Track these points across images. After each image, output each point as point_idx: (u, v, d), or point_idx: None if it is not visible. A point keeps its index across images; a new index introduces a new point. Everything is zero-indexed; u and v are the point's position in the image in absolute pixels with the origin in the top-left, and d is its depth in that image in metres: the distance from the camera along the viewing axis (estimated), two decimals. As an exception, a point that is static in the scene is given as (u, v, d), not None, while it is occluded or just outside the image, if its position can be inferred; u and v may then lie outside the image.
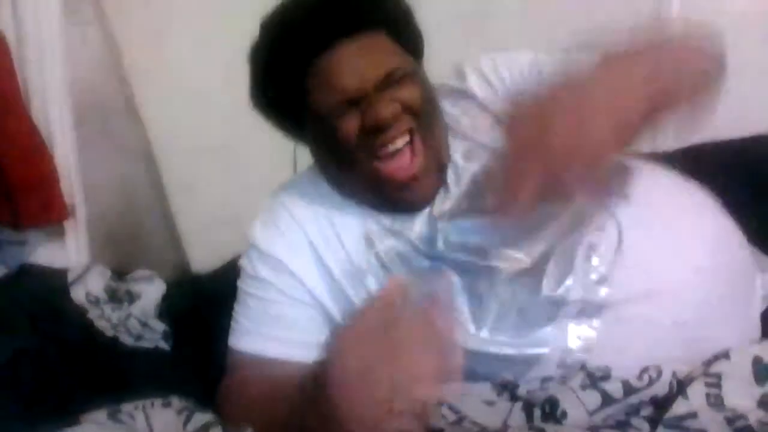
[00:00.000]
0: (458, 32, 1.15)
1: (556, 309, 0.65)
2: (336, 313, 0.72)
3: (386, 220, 0.72)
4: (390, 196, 0.70)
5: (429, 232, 0.70)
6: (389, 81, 0.67)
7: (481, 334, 0.66)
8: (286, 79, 0.69)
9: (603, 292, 0.65)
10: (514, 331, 0.66)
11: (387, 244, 0.71)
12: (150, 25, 1.37)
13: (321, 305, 0.72)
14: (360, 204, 0.74)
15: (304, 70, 0.68)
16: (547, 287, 0.65)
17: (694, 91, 0.64)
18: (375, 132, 0.66)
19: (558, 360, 0.64)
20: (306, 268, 0.72)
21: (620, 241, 0.67)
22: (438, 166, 0.71)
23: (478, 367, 0.65)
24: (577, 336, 0.64)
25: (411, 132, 0.67)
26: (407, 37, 0.72)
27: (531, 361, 0.64)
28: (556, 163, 0.52)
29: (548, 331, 0.65)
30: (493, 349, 0.65)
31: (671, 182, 0.76)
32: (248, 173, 1.35)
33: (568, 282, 0.65)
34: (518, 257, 0.67)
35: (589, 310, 0.64)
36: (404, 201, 0.70)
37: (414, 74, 0.70)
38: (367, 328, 0.47)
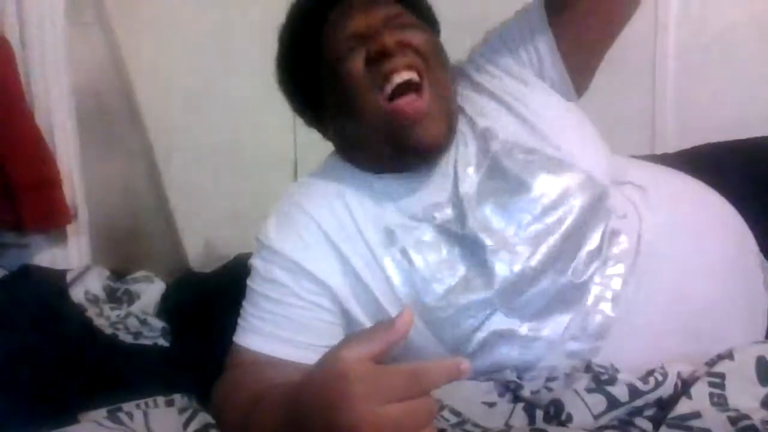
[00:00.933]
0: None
1: (576, 295, 0.66)
2: (359, 311, 0.70)
3: (413, 207, 0.70)
4: (399, 138, 0.68)
5: (457, 212, 0.69)
6: (397, 22, 0.69)
7: (497, 318, 0.66)
8: (306, 38, 0.72)
9: (619, 283, 0.65)
10: (531, 314, 0.66)
11: (414, 236, 0.69)
12: (152, 28, 1.37)
13: (340, 305, 0.70)
14: (377, 169, 0.72)
15: (320, 25, 0.70)
16: (574, 274, 0.66)
17: None
18: (380, 59, 0.66)
19: (567, 350, 0.64)
20: (325, 266, 0.70)
21: (641, 230, 0.67)
22: (446, 111, 0.70)
23: (488, 352, 0.65)
24: (590, 324, 0.65)
25: (417, 70, 0.67)
26: (420, 11, 0.74)
27: (541, 349, 0.65)
28: None
29: (564, 317, 0.65)
30: (507, 327, 0.66)
31: (684, 179, 0.77)
32: (248, 174, 1.36)
33: (592, 269, 0.66)
34: (549, 239, 0.66)
35: (605, 298, 0.65)
36: (413, 141, 0.67)
37: (424, 26, 0.71)
38: (374, 354, 0.44)
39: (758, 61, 1.21)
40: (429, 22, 0.75)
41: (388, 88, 0.66)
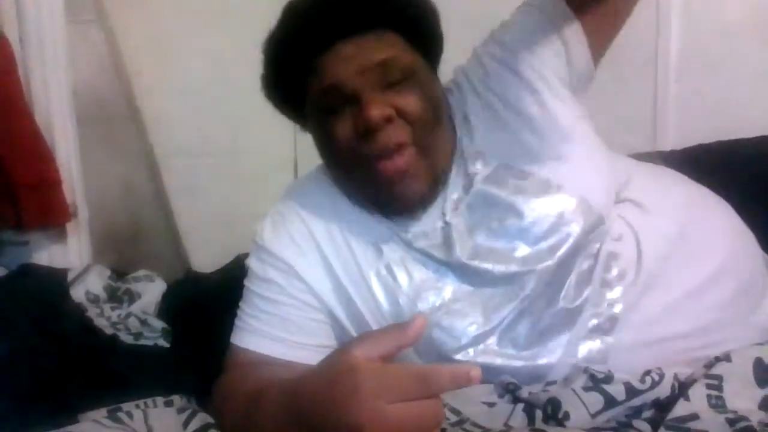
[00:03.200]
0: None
1: (570, 321, 0.64)
2: (344, 318, 0.71)
3: (400, 230, 0.70)
4: (381, 193, 0.69)
5: (446, 241, 0.68)
6: (386, 80, 0.65)
7: (489, 346, 0.65)
8: (290, 78, 0.69)
9: (618, 308, 0.64)
10: (525, 342, 0.65)
11: (398, 254, 0.70)
12: (152, 27, 1.37)
13: (329, 310, 0.71)
14: (364, 205, 0.73)
15: (305, 70, 0.67)
16: (565, 299, 0.65)
17: None
18: (366, 135, 0.64)
19: (566, 374, 0.63)
20: (314, 273, 0.71)
21: (639, 252, 0.66)
22: (432, 165, 0.68)
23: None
24: (588, 350, 0.64)
25: (403, 145, 0.65)
26: (419, 37, 0.69)
27: (538, 373, 0.64)
28: None
29: (559, 343, 0.64)
30: (500, 361, 0.65)
31: (686, 187, 0.75)
32: (248, 175, 1.36)
33: (586, 293, 0.64)
34: (541, 266, 0.65)
35: (602, 323, 0.64)
36: (394, 197, 0.68)
37: (416, 77, 0.66)
38: (382, 355, 0.45)
39: (758, 61, 1.21)
40: (427, 44, 0.71)
41: (374, 152, 0.65)
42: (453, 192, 0.71)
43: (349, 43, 0.65)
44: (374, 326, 0.68)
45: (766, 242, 0.77)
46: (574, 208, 0.66)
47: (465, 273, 0.68)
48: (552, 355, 0.64)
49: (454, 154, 0.71)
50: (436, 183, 0.69)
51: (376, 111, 0.63)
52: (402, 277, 0.69)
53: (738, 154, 1.06)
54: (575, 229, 0.66)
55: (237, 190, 1.37)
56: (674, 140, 1.25)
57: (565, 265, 0.65)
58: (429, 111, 0.66)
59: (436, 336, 0.66)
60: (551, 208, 0.66)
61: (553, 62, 0.70)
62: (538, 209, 0.66)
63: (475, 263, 0.67)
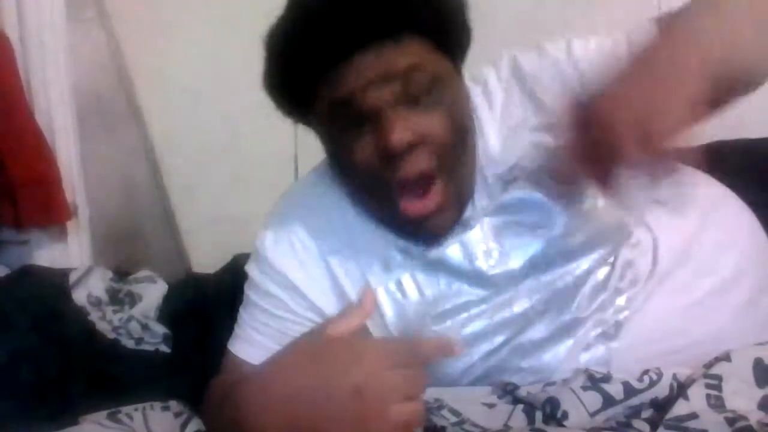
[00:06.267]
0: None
1: (576, 327, 0.63)
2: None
3: (412, 245, 0.67)
4: (403, 226, 0.66)
5: (465, 249, 0.65)
6: (409, 93, 0.58)
7: (497, 351, 0.65)
8: (296, 82, 0.63)
9: (624, 314, 0.63)
10: (531, 347, 0.64)
11: (408, 269, 0.67)
12: (152, 25, 1.37)
13: None
14: (376, 221, 0.69)
15: (315, 77, 0.60)
16: (578, 309, 0.63)
17: None
18: (389, 160, 0.58)
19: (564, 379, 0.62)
20: (318, 287, 0.69)
21: (654, 258, 0.63)
22: (460, 195, 0.64)
23: (479, 381, 0.65)
24: (591, 355, 0.63)
25: (431, 178, 0.60)
26: (447, 37, 0.62)
27: (539, 377, 0.63)
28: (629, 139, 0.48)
29: (563, 348, 0.63)
30: (505, 365, 0.64)
31: (706, 183, 0.72)
32: (249, 174, 1.36)
33: (597, 302, 0.63)
34: (561, 282, 0.63)
35: (608, 329, 0.63)
36: (419, 233, 0.65)
37: (442, 85, 0.60)
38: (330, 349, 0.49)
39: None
40: (456, 45, 0.64)
41: (398, 180, 0.60)
42: (479, 200, 0.66)
43: (370, 51, 0.57)
44: None
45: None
46: (604, 221, 0.63)
47: (480, 282, 0.66)
48: (555, 359, 0.63)
49: (477, 164, 0.66)
50: (462, 209, 0.66)
51: (399, 136, 0.57)
52: (412, 293, 0.67)
53: (739, 154, 1.05)
54: (605, 246, 0.63)
55: (237, 188, 1.37)
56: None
57: (583, 278, 0.64)
58: (456, 132, 0.61)
59: None
60: (584, 221, 0.63)
61: None
62: (571, 224, 0.63)
63: (495, 272, 0.65)
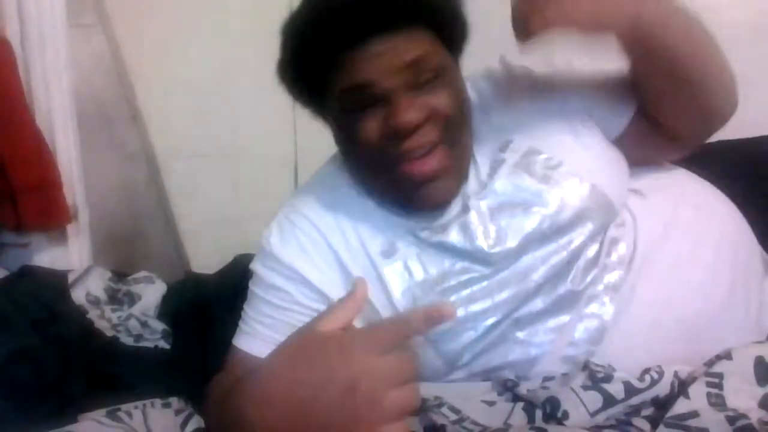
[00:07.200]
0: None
1: (572, 302, 0.66)
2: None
3: (417, 227, 0.70)
4: (406, 194, 0.68)
5: (465, 228, 0.68)
6: (417, 80, 0.63)
7: (495, 327, 0.66)
8: (311, 69, 0.66)
9: (617, 288, 0.66)
10: (527, 321, 0.66)
11: (414, 251, 0.69)
12: (152, 30, 1.38)
13: None
14: (382, 203, 0.72)
15: (330, 64, 0.64)
16: (573, 282, 0.66)
17: (711, 64, 0.69)
18: (396, 138, 0.63)
19: (563, 355, 0.64)
20: (326, 276, 0.70)
21: (635, 236, 0.68)
22: (459, 165, 0.69)
23: (484, 359, 0.66)
24: (585, 329, 0.65)
25: (434, 145, 0.64)
26: (449, 31, 0.67)
27: (534, 354, 0.65)
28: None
29: (558, 323, 0.65)
30: (504, 335, 0.66)
31: (688, 180, 0.76)
32: (248, 176, 1.36)
33: (590, 277, 0.66)
34: (556, 258, 0.66)
35: (602, 303, 0.65)
36: (419, 199, 0.68)
37: (446, 73, 0.66)
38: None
39: (757, 61, 1.21)
40: (456, 38, 0.69)
41: (403, 153, 0.64)
42: (474, 181, 0.71)
43: (381, 41, 0.62)
44: None
45: (765, 243, 0.77)
46: (592, 199, 0.67)
47: (482, 260, 0.68)
48: (553, 332, 0.65)
49: (474, 144, 0.72)
50: (463, 179, 0.70)
51: (409, 116, 0.62)
52: (417, 272, 0.68)
53: (738, 154, 1.06)
54: (592, 226, 0.67)
55: (237, 190, 1.37)
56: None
57: (577, 253, 0.67)
58: (459, 109, 0.66)
59: (456, 328, 0.66)
60: (575, 200, 0.67)
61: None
62: (563, 200, 0.67)
63: (495, 251, 0.67)
